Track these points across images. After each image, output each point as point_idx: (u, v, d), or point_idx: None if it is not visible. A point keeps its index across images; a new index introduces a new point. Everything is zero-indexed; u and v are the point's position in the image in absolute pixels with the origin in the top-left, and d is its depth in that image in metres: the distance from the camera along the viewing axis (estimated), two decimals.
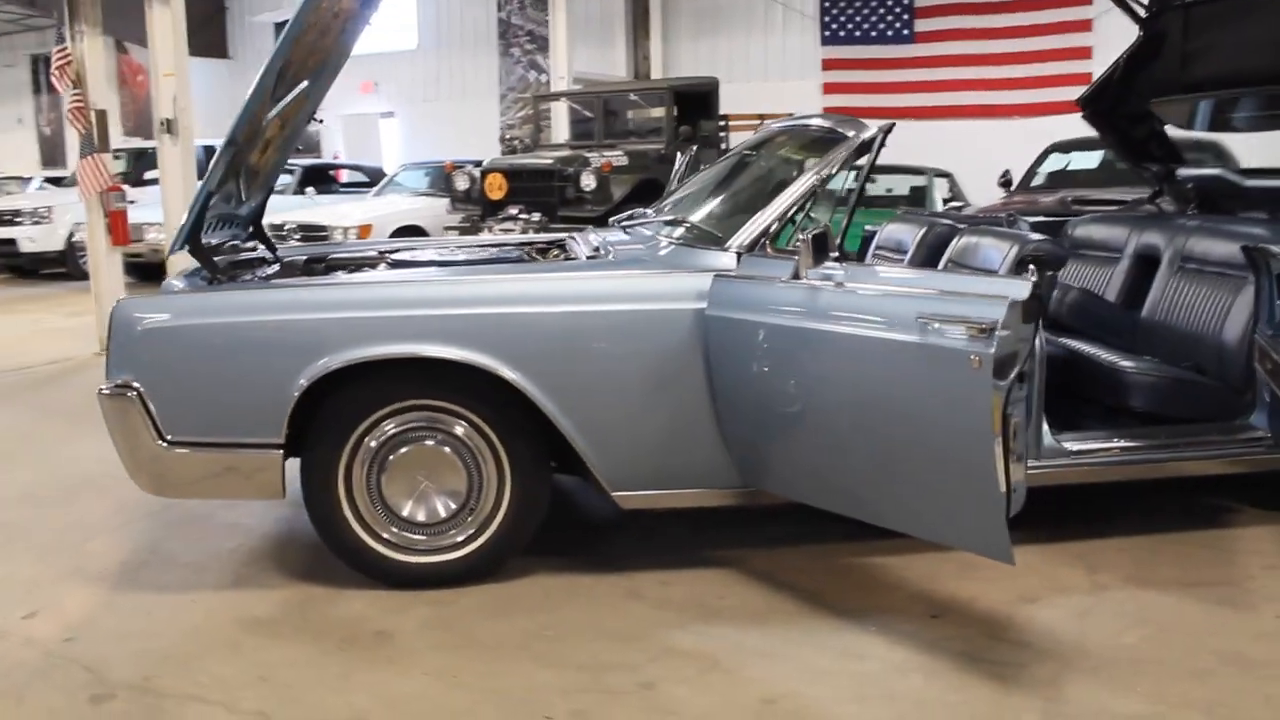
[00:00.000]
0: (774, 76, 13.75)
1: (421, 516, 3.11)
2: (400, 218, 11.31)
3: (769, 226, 3.13)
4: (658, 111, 10.82)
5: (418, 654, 2.75)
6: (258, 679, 2.62)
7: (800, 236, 2.92)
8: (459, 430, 3.07)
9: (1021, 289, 2.39)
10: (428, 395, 3.05)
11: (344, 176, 14.40)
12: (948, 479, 2.52)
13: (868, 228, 5.51)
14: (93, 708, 2.49)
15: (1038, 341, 2.86)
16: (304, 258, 4.08)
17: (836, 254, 2.89)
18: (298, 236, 10.94)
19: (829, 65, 13.13)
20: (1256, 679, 2.55)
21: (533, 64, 15.51)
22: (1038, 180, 8.72)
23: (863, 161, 3.15)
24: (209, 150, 15.78)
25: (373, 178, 13.67)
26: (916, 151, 11.64)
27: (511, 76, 15.88)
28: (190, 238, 3.29)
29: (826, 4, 12.89)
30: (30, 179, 15.81)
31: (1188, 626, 2.84)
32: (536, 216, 9.52)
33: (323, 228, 11.16)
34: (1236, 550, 3.35)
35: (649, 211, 4.04)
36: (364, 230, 11.02)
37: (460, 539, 3.13)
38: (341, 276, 3.56)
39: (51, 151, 20.22)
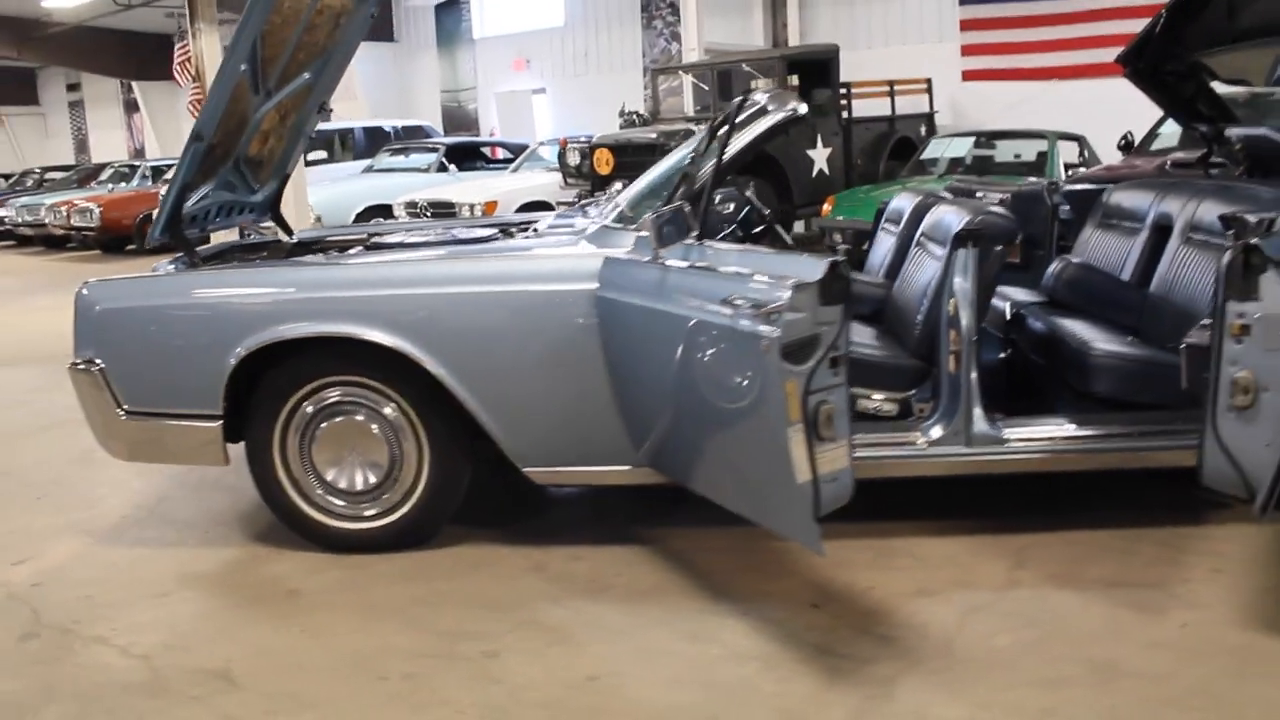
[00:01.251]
0: (912, 40, 13.19)
1: (347, 485, 3.33)
2: (525, 194, 11.68)
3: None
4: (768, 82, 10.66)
5: (308, 612, 2.98)
6: (164, 627, 2.91)
7: (648, 216, 2.92)
8: (384, 406, 3.26)
9: (814, 270, 2.31)
10: (350, 372, 3.24)
11: (499, 153, 14.97)
12: (760, 465, 2.48)
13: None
14: (17, 644, 2.85)
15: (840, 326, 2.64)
16: (297, 241, 4.37)
17: (696, 232, 2.87)
18: (429, 214, 11.53)
19: (967, 26, 12.47)
20: (1110, 690, 2.38)
21: (674, 35, 15.49)
22: (1160, 143, 8.04)
23: (752, 133, 3.08)
24: (369, 132, 16.75)
25: (517, 153, 14.12)
26: (1065, 113, 10.98)
27: (655, 49, 15.96)
28: (169, 226, 3.61)
29: None
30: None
31: (1078, 630, 2.67)
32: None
33: (450, 204, 11.68)
34: (1190, 550, 3.09)
35: (616, 189, 4.09)
36: (489, 207, 11.45)
37: (383, 509, 3.33)
38: (283, 261, 3.80)
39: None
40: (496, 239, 3.98)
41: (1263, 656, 2.49)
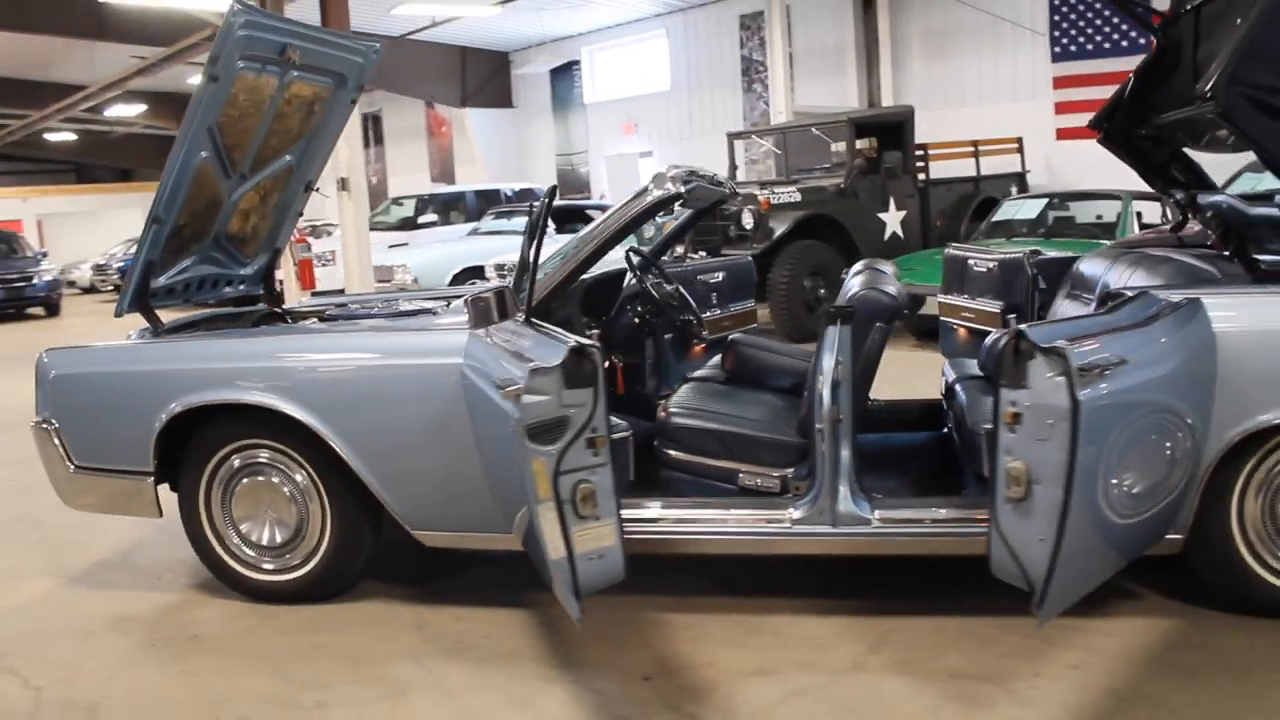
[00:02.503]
0: (1005, 98, 12.94)
1: (262, 540, 3.59)
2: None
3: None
4: (859, 144, 10.69)
5: (199, 655, 3.23)
6: (70, 664, 3.22)
7: (465, 296, 3.09)
8: (296, 472, 3.52)
9: (556, 353, 2.41)
10: (260, 436, 3.52)
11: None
12: (535, 538, 2.57)
13: None
14: None
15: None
16: (268, 311, 4.71)
17: (520, 313, 3.02)
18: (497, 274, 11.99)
19: (1060, 83, 12.14)
20: None
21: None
22: None
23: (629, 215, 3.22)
24: (482, 195, 17.51)
25: None
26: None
27: (755, 112, 16.16)
28: (136, 300, 4.00)
29: (1056, 18, 11.95)
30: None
31: None
32: (702, 255, 9.76)
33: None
34: (1060, 643, 2.97)
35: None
36: None
37: (295, 563, 3.57)
38: (207, 333, 4.09)
39: (376, 200, 23.32)
40: (431, 312, 4.23)
41: None
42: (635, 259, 4.18)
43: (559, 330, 2.86)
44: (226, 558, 3.62)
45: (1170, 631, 3.03)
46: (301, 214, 4.95)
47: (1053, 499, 2.24)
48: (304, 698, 2.91)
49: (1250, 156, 7.95)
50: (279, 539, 3.57)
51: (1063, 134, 12.12)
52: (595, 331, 3.76)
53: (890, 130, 10.73)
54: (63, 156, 28.30)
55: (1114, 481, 2.41)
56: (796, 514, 3.15)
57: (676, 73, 17.56)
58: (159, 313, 4.07)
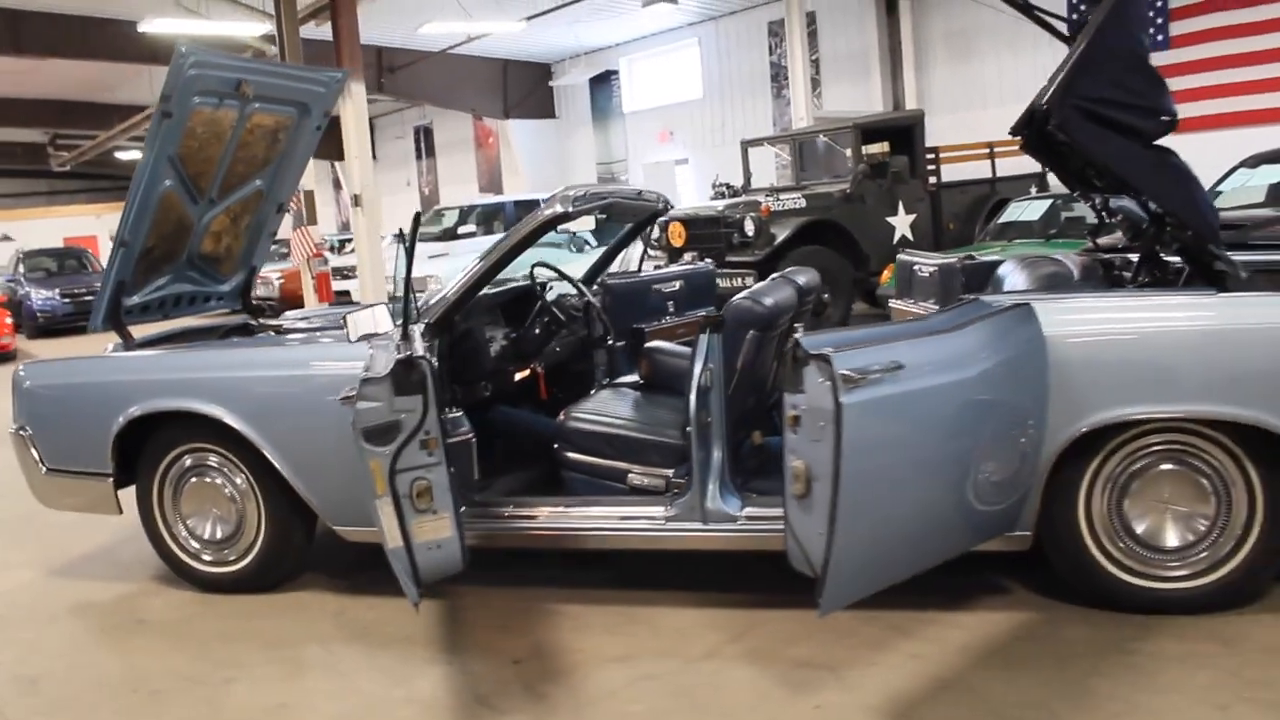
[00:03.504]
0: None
1: (205, 535, 3.94)
2: (620, 265, 12.30)
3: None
4: (871, 148, 10.80)
5: (140, 637, 3.60)
6: (28, 645, 3.61)
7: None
8: (236, 475, 3.86)
9: (386, 361, 2.68)
10: (204, 440, 3.88)
11: None
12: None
13: None
14: None
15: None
16: (236, 325, 5.06)
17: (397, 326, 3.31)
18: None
19: None
20: None
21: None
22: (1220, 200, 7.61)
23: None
24: (521, 205, 17.93)
25: None
26: (1198, 167, 10.39)
27: (784, 117, 16.28)
28: (109, 317, 4.39)
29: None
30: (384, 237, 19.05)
31: (717, 706, 2.85)
32: (708, 262, 9.96)
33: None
34: (916, 635, 3.13)
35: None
36: None
37: (233, 557, 3.92)
38: (166, 347, 4.43)
39: (428, 209, 23.97)
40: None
41: None
42: (544, 274, 4.44)
43: (418, 342, 3.07)
44: (177, 550, 3.99)
45: (1021, 624, 3.18)
46: (275, 234, 5.30)
47: (827, 496, 2.44)
48: (216, 675, 3.24)
49: (1245, 153, 7.95)
50: (219, 535, 3.92)
51: None
52: (504, 342, 4.02)
53: (900, 134, 10.82)
54: (131, 174, 29.60)
55: (909, 479, 2.61)
56: (670, 512, 3.39)
57: (709, 80, 17.77)
58: (145, 327, 4.48)
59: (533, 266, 4.45)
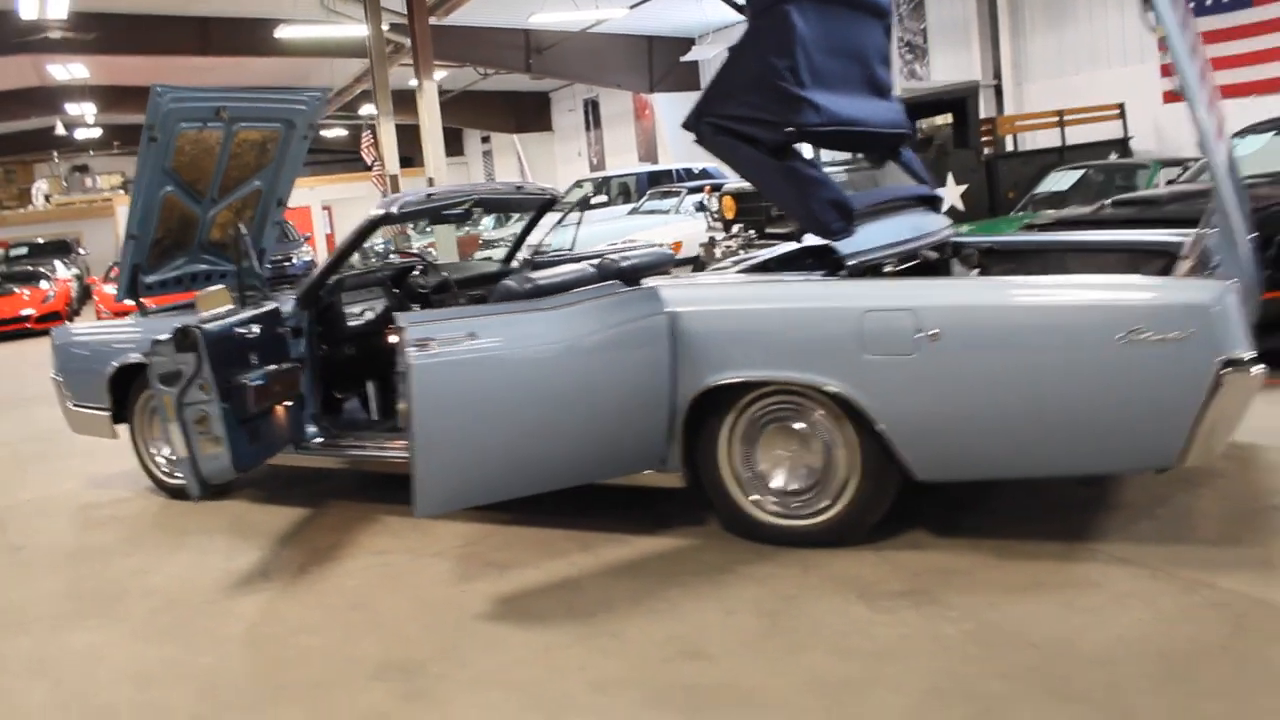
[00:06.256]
0: (1115, 63, 12.54)
1: (166, 454, 5.34)
2: (702, 235, 13.17)
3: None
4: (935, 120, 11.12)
5: (110, 526, 5.02)
6: (46, 532, 5.11)
7: None
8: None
9: (186, 324, 3.86)
10: None
11: None
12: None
13: None
14: None
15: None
16: None
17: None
18: None
19: (1164, 45, 11.67)
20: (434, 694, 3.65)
21: (911, 73, 15.87)
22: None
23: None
24: (654, 176, 18.89)
25: None
26: None
27: (894, 86, 16.39)
28: (129, 291, 5.86)
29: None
30: None
31: (413, 583, 3.87)
32: (752, 233, 10.61)
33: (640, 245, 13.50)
34: (587, 547, 4.02)
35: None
36: (675, 246, 13.14)
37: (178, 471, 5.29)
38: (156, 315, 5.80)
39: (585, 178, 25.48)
40: None
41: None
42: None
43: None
44: (150, 465, 5.41)
45: (674, 547, 3.92)
46: (280, 223, 6.63)
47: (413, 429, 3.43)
48: (122, 551, 4.60)
49: (1231, 122, 7.84)
50: (174, 455, 5.30)
51: (1169, 97, 11.69)
52: (375, 313, 5.15)
53: (954, 107, 11.01)
54: (339, 149, 32.85)
55: (495, 420, 3.52)
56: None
57: None
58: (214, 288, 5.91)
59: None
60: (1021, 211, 9.82)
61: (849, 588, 3.42)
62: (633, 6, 15.51)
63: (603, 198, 18.30)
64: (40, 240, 25.47)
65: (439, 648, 3.29)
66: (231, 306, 4.53)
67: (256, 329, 4.30)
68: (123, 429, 5.49)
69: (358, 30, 12.62)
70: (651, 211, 16.07)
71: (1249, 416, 4.91)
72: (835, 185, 3.92)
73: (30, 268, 20.03)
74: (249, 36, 16.88)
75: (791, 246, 4.21)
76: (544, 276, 4.43)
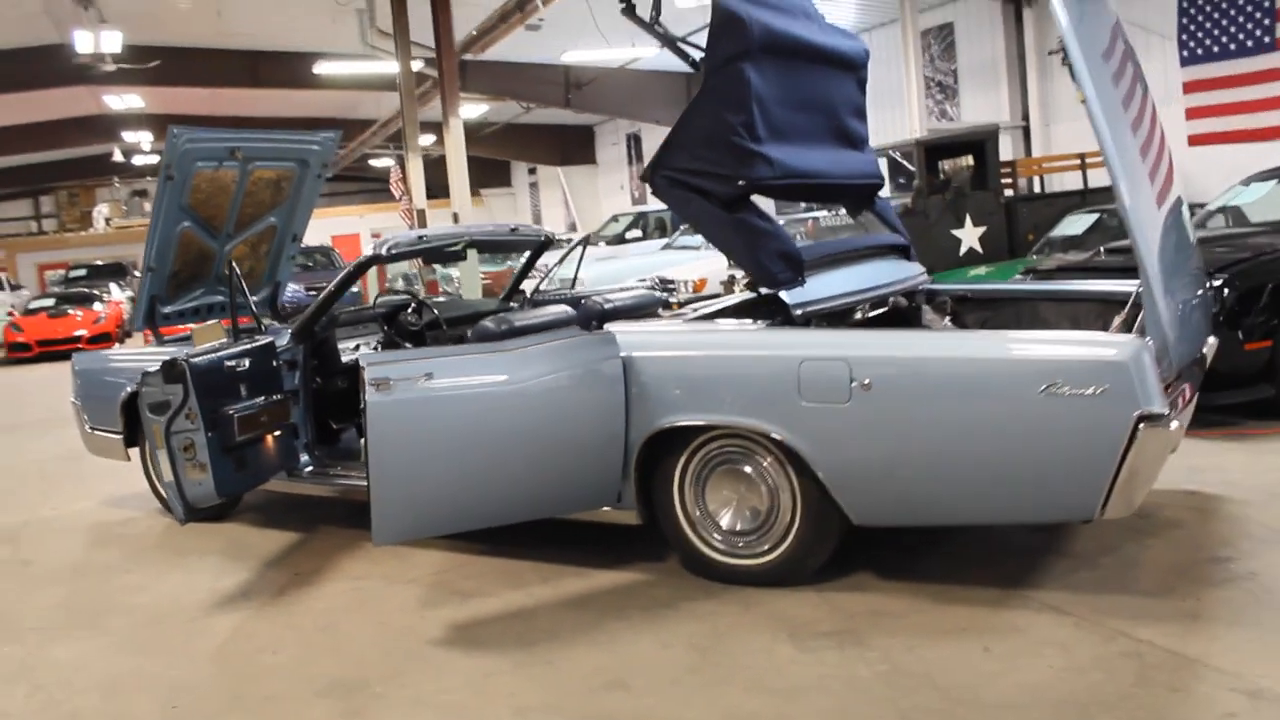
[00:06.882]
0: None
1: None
2: (726, 271, 13.34)
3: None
4: (957, 162, 11.25)
5: (113, 544, 5.30)
6: (54, 548, 5.41)
7: None
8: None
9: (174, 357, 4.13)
10: None
11: None
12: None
13: None
14: None
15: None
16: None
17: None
18: (660, 288, 13.65)
19: (1190, 88, 11.63)
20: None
21: (942, 113, 15.96)
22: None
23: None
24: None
25: None
26: None
27: (926, 126, 16.47)
28: (146, 320, 6.18)
29: (1184, 21, 11.50)
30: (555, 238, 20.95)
31: (379, 607, 4.08)
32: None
33: (671, 281, 13.71)
34: (547, 579, 4.19)
35: None
36: (699, 284, 13.34)
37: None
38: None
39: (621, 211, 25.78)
40: None
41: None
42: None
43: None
44: (159, 487, 5.70)
45: (628, 581, 4.09)
46: (295, 257, 6.95)
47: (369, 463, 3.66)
48: (122, 568, 4.87)
49: (1257, 166, 7.86)
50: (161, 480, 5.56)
51: (1194, 140, 11.67)
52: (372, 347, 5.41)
53: (975, 149, 11.11)
54: (386, 178, 33.66)
55: (448, 456, 3.72)
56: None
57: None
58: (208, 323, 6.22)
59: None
60: (1036, 254, 9.87)
61: (782, 627, 3.56)
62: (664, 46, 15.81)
63: (637, 232, 18.55)
64: (99, 262, 26.40)
65: (387, 669, 3.49)
66: (224, 340, 4.80)
67: (246, 362, 4.56)
68: (135, 452, 5.80)
69: (391, 67, 13.08)
70: (684, 247, 16.26)
71: (1224, 467, 5.02)
72: (786, 237, 4.09)
73: (86, 290, 20.78)
74: (295, 70, 17.49)
75: (749, 296, 4.37)
76: (521, 318, 4.64)
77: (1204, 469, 5.00)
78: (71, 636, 4.06)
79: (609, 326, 4.16)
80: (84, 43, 13.11)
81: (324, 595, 4.29)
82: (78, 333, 17.97)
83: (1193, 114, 11.75)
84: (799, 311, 3.95)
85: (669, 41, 4.51)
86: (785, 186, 4.20)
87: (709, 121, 4.00)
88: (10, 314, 20.01)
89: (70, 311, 18.77)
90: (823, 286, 4.13)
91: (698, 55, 4.18)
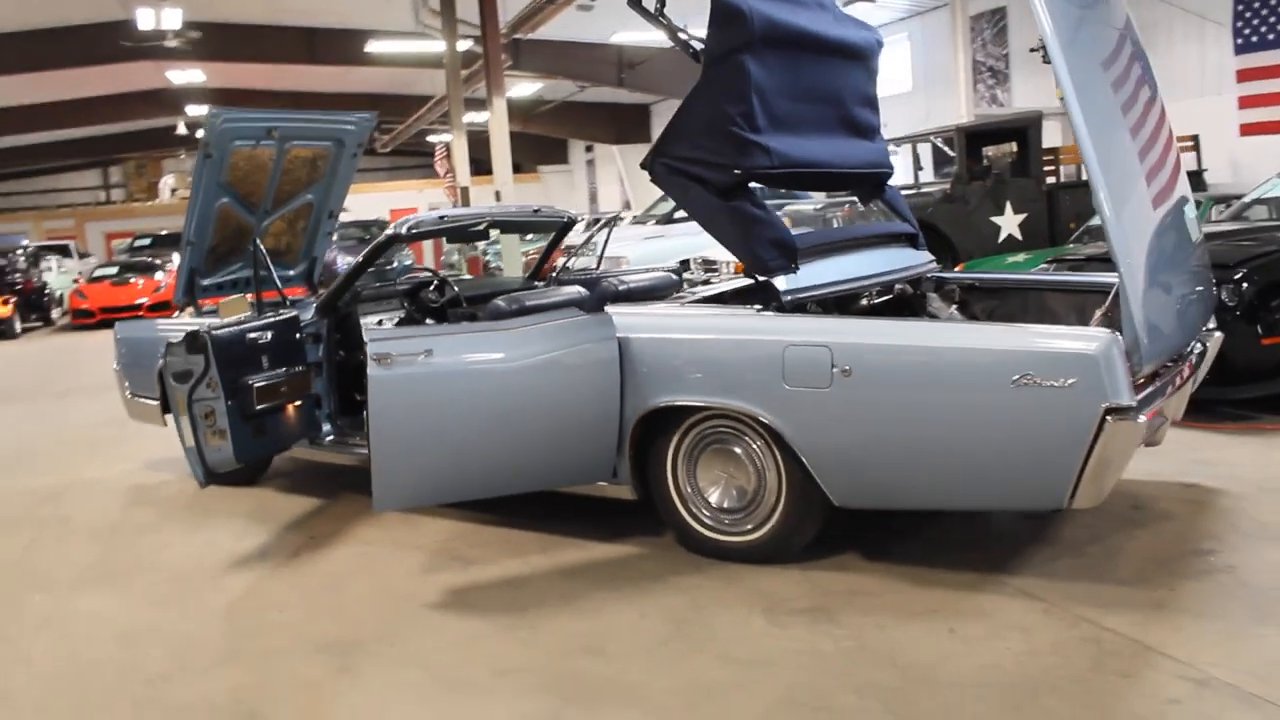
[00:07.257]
0: (1193, 94, 12.25)
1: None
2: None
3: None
4: (1000, 148, 11.17)
5: (141, 505, 5.60)
6: (96, 507, 5.73)
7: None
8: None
9: (181, 331, 4.33)
10: None
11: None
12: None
13: None
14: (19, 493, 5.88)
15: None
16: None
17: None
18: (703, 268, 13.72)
19: (1244, 76, 11.35)
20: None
21: (993, 98, 15.75)
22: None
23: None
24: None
25: None
26: None
27: (976, 111, 16.26)
28: (186, 293, 6.46)
29: (1240, 7, 11.21)
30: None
31: (385, 570, 4.29)
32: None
33: (714, 262, 13.76)
34: (546, 549, 4.37)
35: None
36: (739, 265, 13.39)
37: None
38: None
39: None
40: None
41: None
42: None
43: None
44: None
45: (622, 554, 4.25)
46: (332, 234, 7.18)
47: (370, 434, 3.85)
48: (153, 527, 5.16)
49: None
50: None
51: (1246, 130, 11.41)
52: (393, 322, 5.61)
53: (1018, 135, 11.00)
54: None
55: (447, 429, 3.89)
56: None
57: (917, 74, 18.00)
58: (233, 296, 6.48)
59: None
60: (1074, 243, 9.77)
61: (759, 602, 3.69)
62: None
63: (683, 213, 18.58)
64: (164, 232, 27.15)
65: (382, 630, 3.69)
66: (249, 313, 5.03)
67: (269, 335, 4.79)
68: (170, 418, 6.09)
69: (441, 46, 13.28)
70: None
71: (1233, 461, 5.02)
72: (780, 225, 4.18)
73: (149, 259, 21.43)
74: (351, 47, 17.80)
75: (747, 281, 4.47)
76: (533, 297, 4.79)
77: (1214, 462, 5.01)
78: (98, 590, 4.33)
79: (609, 309, 4.30)
80: (145, 19, 13.52)
81: (334, 558, 4.51)
82: (139, 300, 18.57)
83: (1245, 103, 11.48)
84: (788, 298, 4.05)
85: (671, 32, 4.60)
86: (785, 175, 4.28)
87: (709, 111, 4.11)
88: (76, 280, 20.74)
89: (133, 280, 19.40)
90: (815, 274, 4.22)
91: (700, 47, 4.28)
